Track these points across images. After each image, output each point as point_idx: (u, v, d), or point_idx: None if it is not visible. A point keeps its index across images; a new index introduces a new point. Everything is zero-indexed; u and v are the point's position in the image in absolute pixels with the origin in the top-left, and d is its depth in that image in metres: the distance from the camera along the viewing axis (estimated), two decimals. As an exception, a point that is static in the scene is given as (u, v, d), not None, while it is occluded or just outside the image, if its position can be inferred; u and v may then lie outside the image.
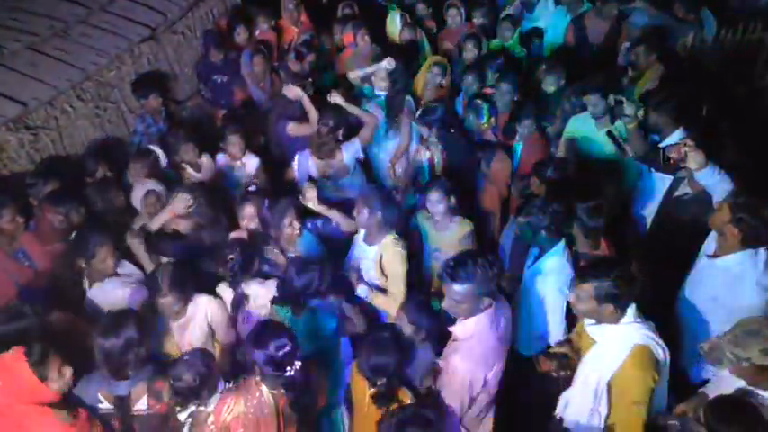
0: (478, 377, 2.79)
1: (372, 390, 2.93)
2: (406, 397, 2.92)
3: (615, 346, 2.77)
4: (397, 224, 3.72)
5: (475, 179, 4.65)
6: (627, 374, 2.72)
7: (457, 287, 2.69)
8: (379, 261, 3.65)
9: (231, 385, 2.88)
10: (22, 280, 3.64)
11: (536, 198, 3.54)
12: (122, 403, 2.88)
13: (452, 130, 4.61)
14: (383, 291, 3.64)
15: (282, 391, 2.75)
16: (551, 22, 6.13)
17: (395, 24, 6.28)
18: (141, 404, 2.91)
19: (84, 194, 4.02)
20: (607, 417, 2.86)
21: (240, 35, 5.90)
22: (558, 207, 3.30)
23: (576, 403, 2.96)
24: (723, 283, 3.22)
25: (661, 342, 2.77)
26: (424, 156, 4.71)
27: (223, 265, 3.50)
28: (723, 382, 2.84)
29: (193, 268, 3.55)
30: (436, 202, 3.85)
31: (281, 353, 2.67)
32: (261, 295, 3.42)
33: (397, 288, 3.58)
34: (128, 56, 5.08)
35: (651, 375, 2.70)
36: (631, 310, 2.76)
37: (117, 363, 2.84)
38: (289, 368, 2.69)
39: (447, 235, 3.93)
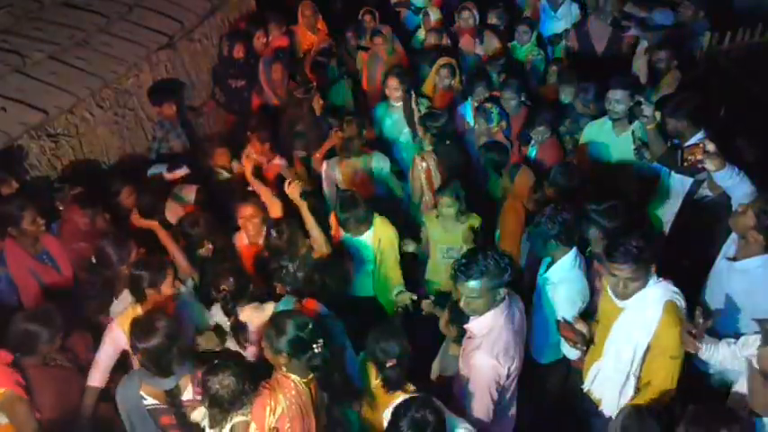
0: (502, 371, 2.81)
1: (381, 376, 2.92)
2: (410, 389, 2.90)
3: (648, 306, 2.89)
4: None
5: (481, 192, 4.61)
6: (665, 332, 2.87)
7: (472, 284, 2.72)
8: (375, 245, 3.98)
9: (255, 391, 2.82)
10: (46, 280, 3.73)
11: (546, 208, 3.49)
12: (172, 396, 2.89)
13: (448, 142, 4.61)
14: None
15: (312, 375, 2.77)
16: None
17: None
18: (188, 394, 2.93)
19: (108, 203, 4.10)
20: (639, 377, 2.96)
21: (258, 40, 5.92)
22: (567, 216, 3.27)
23: (608, 372, 3.08)
24: (742, 286, 3.17)
25: (680, 293, 2.95)
26: (422, 168, 4.58)
27: (217, 295, 3.50)
28: None
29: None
30: (448, 206, 3.97)
31: (303, 333, 2.70)
32: (254, 321, 3.44)
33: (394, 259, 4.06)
34: (146, 64, 5.16)
35: (684, 328, 2.85)
36: (652, 269, 2.88)
37: (163, 360, 2.84)
38: (315, 346, 2.72)
39: (459, 232, 4.07)
